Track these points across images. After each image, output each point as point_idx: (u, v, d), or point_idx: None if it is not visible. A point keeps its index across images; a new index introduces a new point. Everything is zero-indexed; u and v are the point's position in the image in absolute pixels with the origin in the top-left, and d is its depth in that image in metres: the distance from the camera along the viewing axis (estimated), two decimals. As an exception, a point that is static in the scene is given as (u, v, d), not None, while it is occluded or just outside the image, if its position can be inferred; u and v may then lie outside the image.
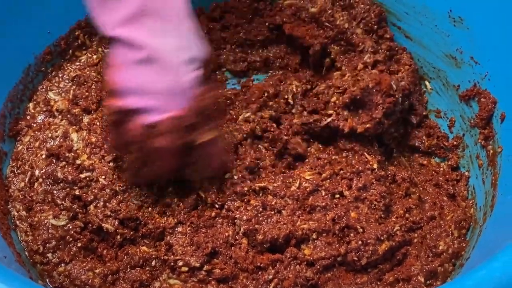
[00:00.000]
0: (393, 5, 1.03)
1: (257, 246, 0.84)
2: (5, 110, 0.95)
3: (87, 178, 0.89)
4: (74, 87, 1.01)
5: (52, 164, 0.91)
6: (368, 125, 0.92)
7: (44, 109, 0.99)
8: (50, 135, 0.95)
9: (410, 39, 1.03)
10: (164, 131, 0.76)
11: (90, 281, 0.82)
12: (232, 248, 0.84)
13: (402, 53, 1.03)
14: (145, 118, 0.76)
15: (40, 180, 0.90)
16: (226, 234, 0.85)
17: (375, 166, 0.91)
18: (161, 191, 0.88)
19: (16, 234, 0.87)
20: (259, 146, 0.95)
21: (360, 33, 1.01)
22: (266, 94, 0.99)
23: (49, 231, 0.86)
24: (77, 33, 1.03)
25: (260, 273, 0.82)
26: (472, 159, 0.95)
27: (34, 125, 0.97)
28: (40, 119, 0.98)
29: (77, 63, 1.04)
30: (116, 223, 0.86)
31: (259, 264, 0.83)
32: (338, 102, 0.94)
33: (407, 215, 0.89)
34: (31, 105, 0.99)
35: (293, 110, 0.99)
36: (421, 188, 0.95)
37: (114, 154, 0.89)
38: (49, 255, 0.85)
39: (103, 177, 0.88)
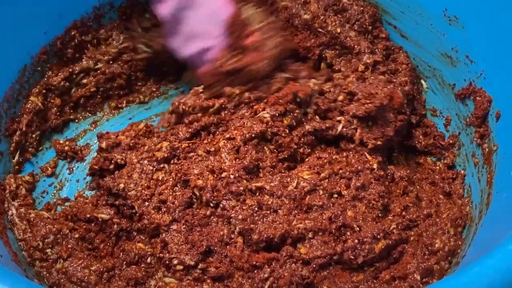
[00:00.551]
0: (388, 5, 1.03)
1: (252, 245, 0.84)
2: (1, 110, 0.95)
3: None
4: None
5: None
6: (379, 142, 0.93)
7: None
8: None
9: (405, 38, 1.04)
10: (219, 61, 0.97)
11: (86, 278, 0.83)
12: (227, 246, 0.84)
13: (398, 52, 1.04)
14: (206, 57, 0.97)
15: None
16: (221, 233, 0.84)
17: (374, 166, 0.91)
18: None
19: (13, 233, 0.88)
20: (264, 147, 0.93)
21: (354, 35, 1.01)
22: (298, 99, 0.95)
23: (47, 226, 0.88)
24: (73, 33, 1.04)
25: (255, 271, 0.82)
26: (468, 157, 0.96)
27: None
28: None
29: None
30: (112, 212, 0.89)
31: (254, 262, 0.82)
32: (348, 109, 0.93)
33: (404, 213, 0.89)
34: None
35: (308, 110, 0.96)
36: (418, 187, 0.95)
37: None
38: (48, 250, 0.86)
39: None
